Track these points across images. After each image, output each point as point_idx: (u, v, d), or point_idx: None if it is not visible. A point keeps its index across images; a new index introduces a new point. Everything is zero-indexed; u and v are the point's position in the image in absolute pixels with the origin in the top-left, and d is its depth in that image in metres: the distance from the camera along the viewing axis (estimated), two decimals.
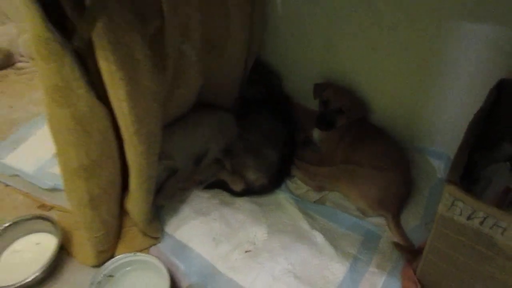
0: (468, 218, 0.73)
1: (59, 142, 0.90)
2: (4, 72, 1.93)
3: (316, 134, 1.33)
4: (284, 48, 1.32)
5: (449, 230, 0.78)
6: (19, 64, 1.96)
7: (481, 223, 0.72)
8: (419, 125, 1.22)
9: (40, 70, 0.80)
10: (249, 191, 1.23)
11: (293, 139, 1.31)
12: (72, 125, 0.86)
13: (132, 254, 1.08)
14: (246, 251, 1.11)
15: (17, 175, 1.42)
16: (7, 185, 1.41)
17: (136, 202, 1.04)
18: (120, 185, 1.06)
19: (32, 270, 1.10)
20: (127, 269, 1.08)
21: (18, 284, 1.07)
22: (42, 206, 1.33)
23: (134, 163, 0.94)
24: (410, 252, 1.02)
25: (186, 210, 1.21)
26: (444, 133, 1.17)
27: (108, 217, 1.07)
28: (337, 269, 1.04)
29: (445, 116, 1.14)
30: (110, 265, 1.06)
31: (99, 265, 1.14)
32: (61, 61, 0.77)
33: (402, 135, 1.25)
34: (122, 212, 1.12)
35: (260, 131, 1.27)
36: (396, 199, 1.12)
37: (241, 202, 1.23)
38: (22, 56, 1.97)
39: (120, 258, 1.07)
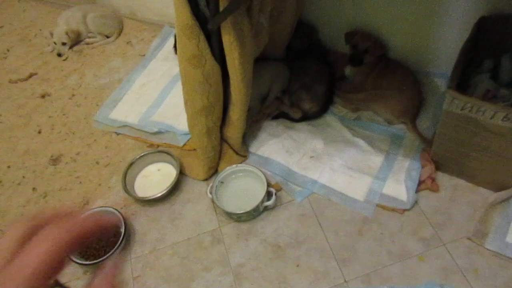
0: (462, 109, 1.19)
1: (190, 92, 1.36)
2: (78, 47, 2.34)
3: (348, 70, 1.77)
4: (320, 7, 1.72)
5: (450, 119, 1.25)
6: (88, 40, 2.36)
7: (470, 111, 1.18)
8: (426, 55, 1.65)
9: (183, 44, 1.23)
10: (305, 117, 1.69)
11: (332, 76, 1.75)
12: (201, 79, 1.31)
13: (235, 166, 1.56)
14: (311, 157, 1.59)
15: (124, 126, 1.88)
16: (118, 134, 1.88)
17: (236, 130, 1.51)
18: (221, 120, 1.53)
19: (159, 188, 1.60)
20: (233, 176, 1.57)
21: (153, 197, 1.57)
22: (151, 145, 1.80)
23: (238, 101, 1.39)
24: (425, 142, 1.50)
25: (262, 135, 1.68)
26: (444, 59, 1.61)
27: (216, 142, 1.54)
28: (376, 160, 1.53)
29: (444, 46, 1.57)
30: (221, 174, 1.54)
31: (208, 178, 1.63)
32: (198, 38, 1.21)
33: (413, 64, 1.68)
34: (221, 139, 1.60)
35: (308, 72, 1.71)
36: (412, 109, 1.58)
37: (301, 125, 1.70)
38: (90, 32, 2.35)
39: (227, 169, 1.55)
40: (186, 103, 1.40)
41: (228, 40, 1.21)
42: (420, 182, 1.44)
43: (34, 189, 1.72)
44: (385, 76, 1.64)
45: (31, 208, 1.65)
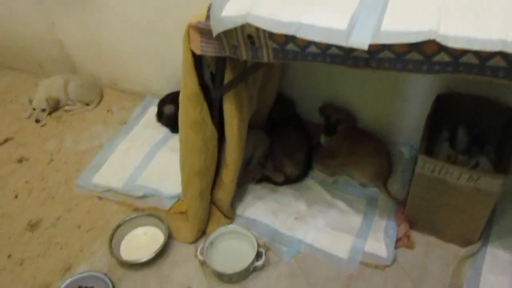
0: (432, 171, 1.37)
1: (188, 156, 1.45)
2: (56, 114, 2.37)
3: (323, 139, 1.94)
4: (298, 82, 1.94)
5: (422, 181, 1.42)
6: (67, 107, 2.40)
7: (439, 173, 1.36)
8: (391, 126, 1.89)
9: (187, 111, 1.35)
10: (287, 181, 1.82)
11: (310, 143, 1.92)
12: (200, 144, 1.41)
13: (224, 227, 1.61)
14: (295, 218, 1.69)
15: (108, 190, 1.89)
16: (101, 198, 1.87)
17: (227, 192, 1.59)
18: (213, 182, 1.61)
19: (146, 252, 1.59)
20: (225, 237, 1.60)
21: (141, 260, 1.56)
22: (136, 209, 1.81)
23: (232, 164, 1.49)
24: (397, 202, 1.66)
25: (248, 197, 1.77)
26: (407, 131, 1.85)
27: (206, 204, 1.60)
28: (356, 220, 1.65)
29: (407, 119, 1.81)
30: (211, 236, 1.58)
31: (195, 241, 1.65)
32: (202, 106, 1.34)
33: (381, 134, 1.91)
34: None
35: (288, 140, 1.87)
36: (384, 173, 1.76)
37: (284, 188, 1.81)
38: (69, 100, 2.40)
39: (217, 231, 1.59)
40: (182, 166, 1.48)
41: (229, 108, 1.35)
42: (397, 240, 1.57)
43: (9, 256, 1.64)
44: (357, 143, 1.83)
45: (6, 276, 1.57)
